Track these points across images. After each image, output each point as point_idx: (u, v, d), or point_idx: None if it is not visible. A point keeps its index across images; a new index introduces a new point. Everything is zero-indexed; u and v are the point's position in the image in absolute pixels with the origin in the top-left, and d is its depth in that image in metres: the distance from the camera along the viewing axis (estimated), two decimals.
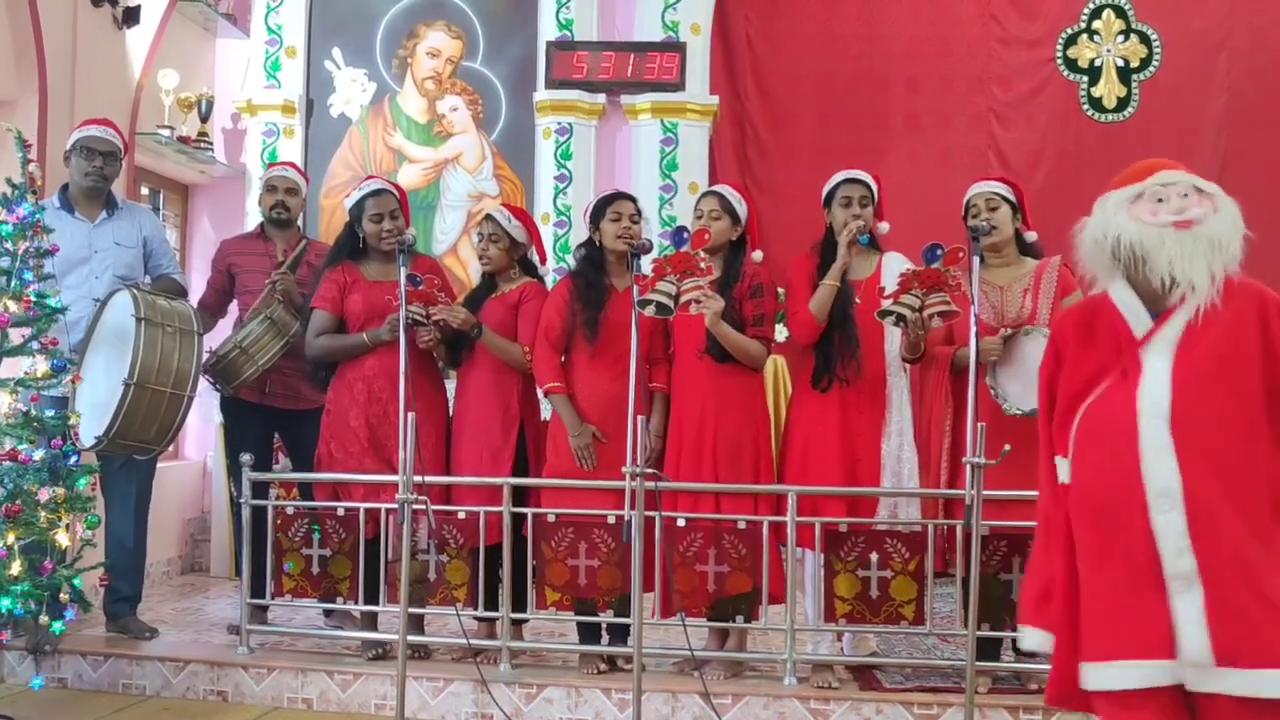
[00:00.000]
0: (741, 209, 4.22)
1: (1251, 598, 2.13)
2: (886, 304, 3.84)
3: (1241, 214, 2.37)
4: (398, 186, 4.62)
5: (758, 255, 4.26)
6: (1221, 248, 2.30)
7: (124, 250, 4.67)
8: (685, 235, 3.85)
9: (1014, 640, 4.07)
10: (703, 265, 3.80)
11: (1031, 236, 4.19)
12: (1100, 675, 2.23)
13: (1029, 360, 3.86)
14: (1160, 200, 2.35)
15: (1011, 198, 4.13)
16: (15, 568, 3.63)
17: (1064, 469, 2.36)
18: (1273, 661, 2.11)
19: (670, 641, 4.24)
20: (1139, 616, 2.18)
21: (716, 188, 4.43)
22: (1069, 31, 7.24)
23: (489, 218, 4.45)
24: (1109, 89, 7.17)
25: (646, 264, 3.91)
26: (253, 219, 6.10)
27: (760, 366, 4.21)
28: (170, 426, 4.29)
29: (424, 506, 3.93)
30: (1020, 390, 3.86)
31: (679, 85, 6.70)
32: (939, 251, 3.77)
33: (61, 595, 3.79)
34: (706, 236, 3.93)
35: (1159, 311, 2.32)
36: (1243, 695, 2.12)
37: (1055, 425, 2.41)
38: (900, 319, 3.82)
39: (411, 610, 4.08)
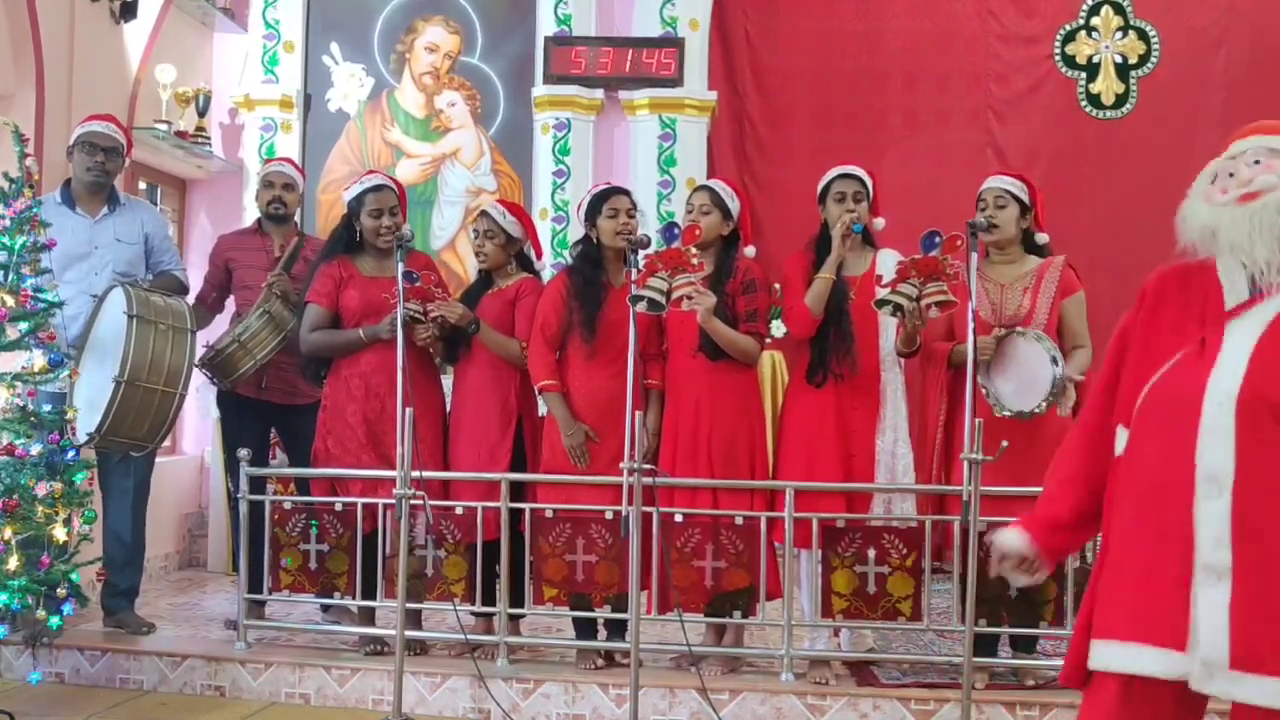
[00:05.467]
0: (733, 204, 4.21)
1: None
2: (883, 293, 3.84)
3: None
4: (397, 183, 4.62)
5: (750, 250, 4.26)
6: None
7: (125, 246, 4.67)
8: (676, 231, 3.85)
9: (1011, 636, 4.09)
10: (695, 261, 3.79)
11: (1043, 238, 4.14)
12: (1107, 653, 2.08)
13: (1022, 361, 3.87)
14: (1231, 175, 2.12)
15: (1024, 196, 4.09)
16: (12, 563, 3.63)
17: (1122, 440, 2.17)
18: None
19: (668, 637, 4.25)
20: (1159, 603, 2.01)
21: (708, 182, 4.43)
22: (1067, 28, 7.23)
23: (484, 214, 4.45)
24: (1107, 86, 7.17)
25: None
26: (250, 214, 6.09)
27: (754, 362, 4.21)
28: (162, 424, 4.29)
29: (422, 502, 3.94)
30: (1012, 391, 3.87)
31: (677, 81, 6.69)
32: (937, 239, 3.77)
33: (59, 590, 3.79)
34: (697, 232, 3.94)
35: (1262, 285, 2.07)
36: (1255, 704, 1.95)
37: (1123, 390, 2.20)
38: (897, 309, 3.82)
39: (409, 605, 4.09)
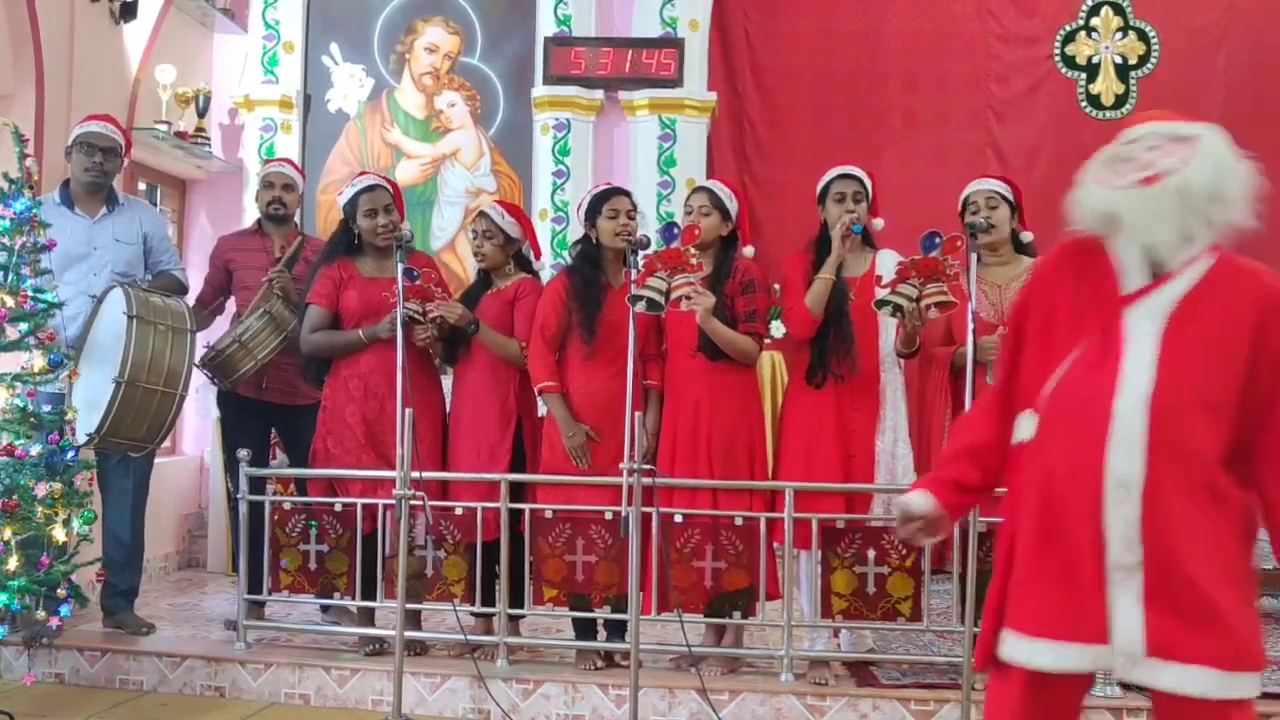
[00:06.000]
0: (732, 205, 4.21)
1: (1191, 596, 2.03)
2: (883, 293, 3.84)
3: (1233, 151, 2.08)
4: (391, 181, 4.63)
5: (748, 250, 4.26)
6: (1196, 197, 2.04)
7: (123, 247, 4.67)
8: (675, 231, 3.85)
9: None
10: (694, 261, 3.80)
11: (1027, 237, 4.19)
12: (1026, 649, 2.14)
13: None
14: (1129, 159, 2.13)
15: (1010, 197, 4.13)
16: (12, 563, 3.63)
17: (1029, 426, 2.20)
18: (1200, 658, 2.03)
19: (667, 638, 4.24)
20: (1075, 601, 2.08)
21: (707, 183, 4.44)
22: (1067, 28, 7.24)
23: (483, 214, 4.45)
24: (1107, 86, 7.17)
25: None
26: (250, 215, 6.09)
27: (753, 363, 4.22)
28: (162, 425, 4.29)
29: (421, 502, 3.93)
30: None
31: (677, 81, 6.69)
32: (937, 239, 3.77)
33: (58, 590, 3.79)
34: (696, 233, 3.94)
35: (1158, 274, 2.09)
36: (1171, 690, 2.05)
37: (1026, 374, 2.23)
38: (897, 309, 3.82)
39: (409, 606, 4.08)
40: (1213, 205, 2.06)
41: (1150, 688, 2.09)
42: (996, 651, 2.21)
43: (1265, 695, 3.74)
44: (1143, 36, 7.17)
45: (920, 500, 2.31)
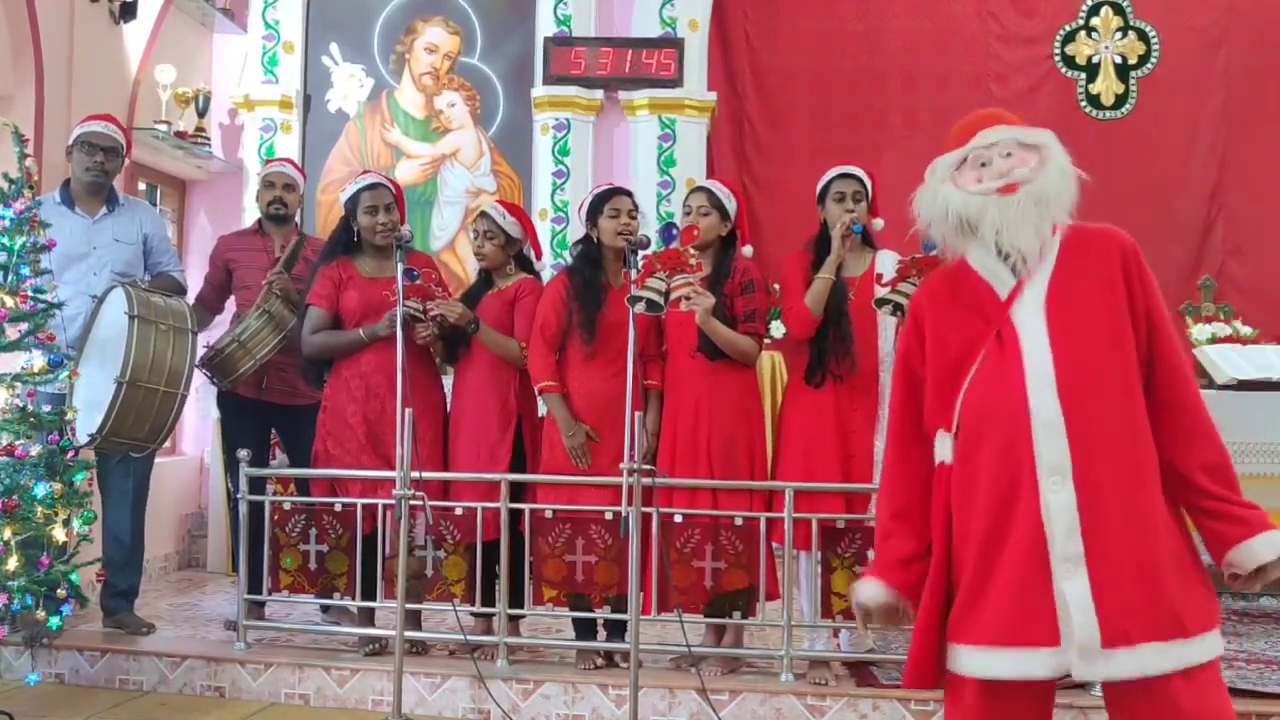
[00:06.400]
0: (730, 204, 4.21)
1: (1134, 573, 2.05)
2: (883, 292, 3.85)
3: (1070, 159, 2.22)
4: (394, 182, 4.63)
5: (747, 250, 4.26)
6: (1050, 203, 2.17)
7: (123, 247, 4.67)
8: (674, 232, 3.85)
9: None
10: (693, 261, 3.80)
11: None
12: (978, 660, 2.12)
13: None
14: (984, 164, 2.23)
15: None
16: (12, 563, 3.63)
17: (946, 446, 2.21)
18: (1153, 635, 2.03)
19: (667, 638, 4.24)
20: (1026, 602, 2.07)
21: (705, 183, 4.43)
22: (1067, 28, 7.25)
23: (484, 214, 4.45)
24: (1107, 86, 7.17)
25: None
26: (250, 215, 6.10)
27: (752, 363, 4.21)
28: (163, 425, 4.28)
29: (421, 502, 3.94)
30: None
31: (677, 82, 6.70)
32: None
33: (58, 590, 3.79)
34: (695, 233, 3.94)
35: (1020, 272, 2.20)
36: (1128, 676, 2.04)
37: (932, 398, 2.25)
38: (898, 308, 3.82)
39: (409, 606, 4.08)
40: (1055, 209, 2.19)
41: (1106, 679, 2.08)
42: (936, 666, 2.21)
43: (1265, 695, 3.76)
44: (1143, 36, 7.18)
45: (875, 591, 2.30)
